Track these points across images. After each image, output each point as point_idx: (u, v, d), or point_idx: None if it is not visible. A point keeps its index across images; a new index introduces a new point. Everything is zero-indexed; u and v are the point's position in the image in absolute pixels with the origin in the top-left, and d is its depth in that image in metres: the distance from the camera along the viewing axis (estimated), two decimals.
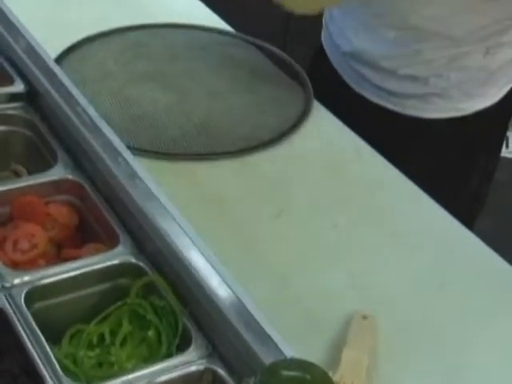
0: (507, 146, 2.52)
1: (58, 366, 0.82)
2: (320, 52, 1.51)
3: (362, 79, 1.41)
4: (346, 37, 1.43)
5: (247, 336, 0.82)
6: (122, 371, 0.88)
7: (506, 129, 1.46)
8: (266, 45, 1.53)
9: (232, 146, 1.28)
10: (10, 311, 0.86)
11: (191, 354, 0.86)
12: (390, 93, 1.38)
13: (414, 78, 1.35)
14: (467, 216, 1.38)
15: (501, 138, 1.46)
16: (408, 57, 1.33)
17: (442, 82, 1.33)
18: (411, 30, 1.31)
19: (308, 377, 0.72)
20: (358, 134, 1.32)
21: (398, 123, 1.39)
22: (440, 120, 1.37)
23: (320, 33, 1.53)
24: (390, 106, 1.38)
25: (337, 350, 0.95)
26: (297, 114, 1.36)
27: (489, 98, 1.35)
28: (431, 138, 1.38)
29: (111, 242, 0.98)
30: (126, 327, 0.92)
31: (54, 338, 0.90)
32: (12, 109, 1.16)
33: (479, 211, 1.47)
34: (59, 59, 1.38)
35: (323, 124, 1.36)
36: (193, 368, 0.85)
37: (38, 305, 0.91)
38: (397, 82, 1.36)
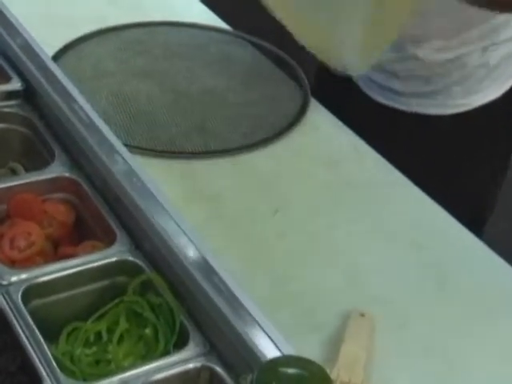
0: None
1: (55, 364, 0.82)
2: None
3: (369, 80, 1.42)
4: None
5: (245, 333, 0.82)
6: (119, 369, 0.88)
7: None
8: (263, 42, 1.53)
9: (229, 144, 1.28)
10: (7, 309, 0.86)
11: (188, 351, 0.86)
12: (396, 92, 1.38)
13: (415, 78, 1.35)
14: (477, 215, 1.39)
15: (510, 137, 1.45)
16: (407, 60, 1.34)
17: (443, 80, 1.34)
18: (400, 36, 1.31)
19: (305, 374, 0.72)
20: (363, 133, 1.32)
21: (403, 121, 1.39)
22: (443, 116, 1.37)
23: None
24: (395, 105, 1.38)
25: (334, 347, 0.95)
26: (294, 111, 1.36)
27: (490, 93, 1.36)
28: (435, 134, 1.38)
29: (108, 240, 0.98)
30: (123, 325, 0.92)
31: (51, 336, 0.90)
32: (9, 106, 1.16)
33: (491, 212, 1.47)
34: (56, 57, 1.38)
35: (320, 121, 1.36)
36: (190, 366, 0.85)
37: (35, 303, 0.90)
38: (400, 83, 1.37)
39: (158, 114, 1.33)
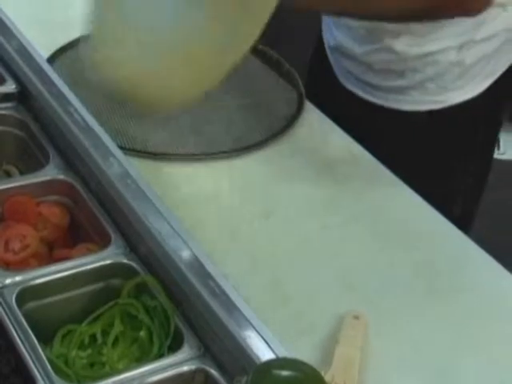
0: (498, 148, 2.53)
1: (49, 367, 0.82)
2: (319, 45, 1.52)
3: (346, 72, 1.42)
4: (330, 31, 1.44)
5: (239, 336, 0.82)
6: (114, 371, 0.88)
7: (495, 126, 1.46)
8: (257, 45, 1.53)
9: (224, 147, 1.28)
10: (2, 311, 0.86)
11: (183, 354, 0.86)
12: (373, 86, 1.39)
13: (390, 72, 1.36)
14: (461, 213, 1.39)
15: (490, 136, 1.46)
16: (381, 52, 1.34)
17: (417, 76, 1.34)
18: (378, 27, 1.31)
19: (300, 376, 0.72)
20: (349, 130, 1.33)
21: (381, 116, 1.40)
22: (419, 112, 1.37)
23: (311, 31, 1.53)
24: (374, 100, 1.39)
25: (328, 349, 0.95)
26: (288, 114, 1.36)
27: (467, 92, 1.36)
28: (412, 131, 1.39)
29: (103, 242, 0.98)
30: (117, 327, 0.92)
31: (46, 339, 0.90)
32: (3, 109, 1.16)
33: (474, 212, 1.47)
34: (51, 59, 1.38)
35: (315, 124, 1.36)
36: (185, 368, 0.85)
37: (29, 305, 0.91)
38: (375, 76, 1.37)
39: (154, 116, 1.33)
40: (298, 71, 1.46)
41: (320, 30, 1.50)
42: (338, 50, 1.42)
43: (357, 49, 1.37)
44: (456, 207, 1.40)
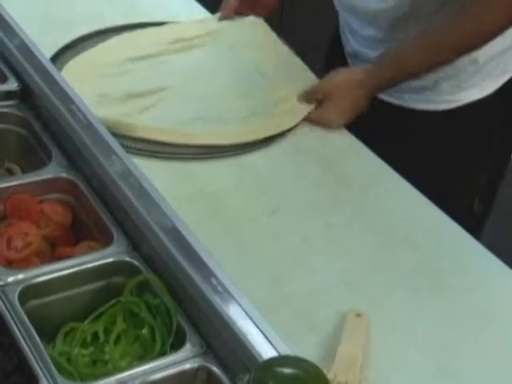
0: None
1: (51, 364, 0.82)
2: (335, 48, 1.52)
3: None
4: (347, 39, 1.45)
5: (241, 333, 0.82)
6: (116, 369, 0.87)
7: (511, 125, 1.45)
8: None
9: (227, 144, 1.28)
10: (4, 309, 0.86)
11: (185, 351, 0.86)
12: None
13: None
14: (473, 213, 1.39)
15: (506, 135, 1.45)
16: None
17: (431, 76, 1.34)
18: (390, 38, 1.32)
19: (302, 373, 0.72)
20: (364, 129, 1.32)
21: (397, 116, 1.40)
22: (434, 112, 1.37)
23: (312, 26, 1.54)
24: (390, 100, 1.39)
25: (330, 347, 0.95)
26: None
27: (481, 90, 1.36)
28: (428, 130, 1.39)
29: (105, 241, 0.98)
30: (120, 325, 0.92)
31: (48, 337, 0.90)
32: (6, 107, 1.16)
33: (487, 212, 1.47)
34: (55, 57, 1.37)
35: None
36: (187, 366, 0.85)
37: (31, 303, 0.90)
38: None
39: None
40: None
41: (333, 34, 1.51)
42: (355, 55, 1.43)
43: (372, 55, 1.37)
44: (475, 205, 1.40)
